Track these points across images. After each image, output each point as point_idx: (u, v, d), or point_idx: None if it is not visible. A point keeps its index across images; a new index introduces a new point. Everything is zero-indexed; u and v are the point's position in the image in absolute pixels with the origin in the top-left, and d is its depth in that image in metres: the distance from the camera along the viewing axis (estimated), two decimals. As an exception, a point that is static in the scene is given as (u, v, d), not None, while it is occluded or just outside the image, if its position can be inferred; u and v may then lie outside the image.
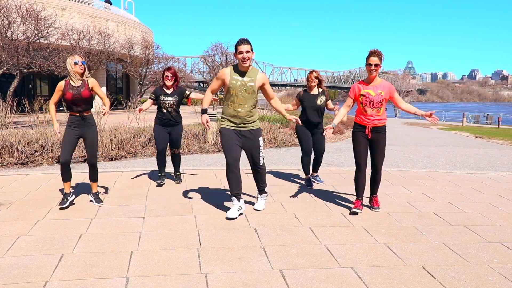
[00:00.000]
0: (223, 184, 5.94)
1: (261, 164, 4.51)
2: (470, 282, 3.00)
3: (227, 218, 4.34)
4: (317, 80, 5.69)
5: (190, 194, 5.36)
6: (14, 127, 10.31)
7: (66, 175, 4.63)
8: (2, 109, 10.39)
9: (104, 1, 33.04)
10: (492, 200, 5.36)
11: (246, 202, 4.87)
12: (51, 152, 8.02)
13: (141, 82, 33.63)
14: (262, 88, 4.40)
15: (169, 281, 2.92)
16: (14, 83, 17.34)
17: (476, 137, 16.47)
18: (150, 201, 4.99)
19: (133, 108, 15.33)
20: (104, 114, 4.72)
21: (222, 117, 4.44)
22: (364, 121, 4.55)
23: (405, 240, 3.82)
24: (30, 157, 7.67)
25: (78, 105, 4.52)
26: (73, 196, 4.84)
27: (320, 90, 5.76)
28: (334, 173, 6.95)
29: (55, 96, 4.59)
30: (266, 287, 2.87)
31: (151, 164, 7.72)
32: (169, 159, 5.99)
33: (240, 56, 4.14)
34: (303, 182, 6.16)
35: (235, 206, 4.44)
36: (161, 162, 5.83)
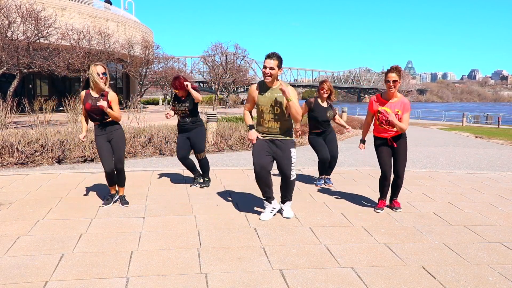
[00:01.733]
0: (223, 184, 5.94)
1: (291, 178, 4.31)
2: (470, 282, 3.00)
3: (261, 220, 4.32)
4: (329, 91, 5.78)
5: (190, 194, 5.36)
6: (14, 127, 10.32)
7: (112, 181, 4.79)
8: (2, 109, 10.40)
9: (104, 1, 33.06)
10: (492, 200, 5.36)
11: (249, 203, 4.87)
12: (51, 152, 8.02)
13: (141, 82, 33.65)
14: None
15: (169, 281, 2.92)
16: (14, 83, 17.34)
17: (476, 137, 16.49)
18: (150, 201, 4.99)
19: (133, 108, 15.36)
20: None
21: (257, 127, 4.35)
22: (383, 134, 4.57)
23: (405, 240, 3.82)
24: (30, 157, 7.67)
25: (97, 115, 4.59)
26: (117, 196, 4.91)
27: (329, 103, 5.86)
28: (334, 173, 6.94)
29: (83, 107, 4.66)
30: (266, 287, 2.87)
31: (151, 164, 7.72)
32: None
33: (263, 70, 4.06)
34: (302, 182, 6.17)
35: (267, 208, 4.44)
36: (187, 167, 5.83)
